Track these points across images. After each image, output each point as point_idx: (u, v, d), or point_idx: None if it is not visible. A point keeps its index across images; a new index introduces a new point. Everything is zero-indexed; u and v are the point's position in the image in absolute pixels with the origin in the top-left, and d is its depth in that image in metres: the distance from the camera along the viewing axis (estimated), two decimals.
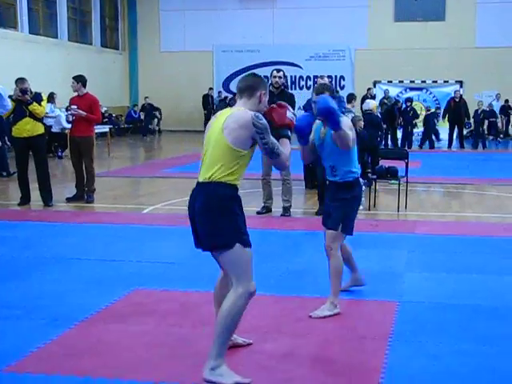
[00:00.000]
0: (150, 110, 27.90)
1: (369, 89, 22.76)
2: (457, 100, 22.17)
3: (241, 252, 4.11)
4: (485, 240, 8.23)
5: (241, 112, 4.15)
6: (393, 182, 11.60)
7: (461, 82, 26.58)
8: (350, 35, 26.80)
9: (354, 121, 13.12)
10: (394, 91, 25.25)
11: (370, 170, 12.29)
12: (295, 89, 26.48)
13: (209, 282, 6.34)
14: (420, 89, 26.77)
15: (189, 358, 4.53)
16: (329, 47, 27.49)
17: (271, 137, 4.14)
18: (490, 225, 9.36)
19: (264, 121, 4.12)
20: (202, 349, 4.68)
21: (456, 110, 21.96)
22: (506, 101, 25.47)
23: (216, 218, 4.06)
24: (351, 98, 14.46)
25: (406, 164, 10.91)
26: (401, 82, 26.89)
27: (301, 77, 27.67)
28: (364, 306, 5.76)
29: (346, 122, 5.36)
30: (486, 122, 23.35)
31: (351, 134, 5.34)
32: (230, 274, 4.17)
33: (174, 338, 4.94)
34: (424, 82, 26.86)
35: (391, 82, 26.74)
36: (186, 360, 4.51)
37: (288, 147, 4.31)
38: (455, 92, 22.93)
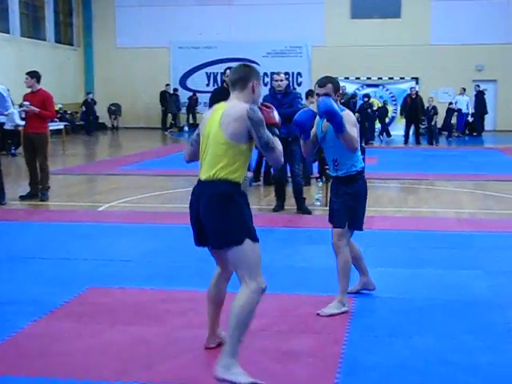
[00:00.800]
0: (92, 107, 27.17)
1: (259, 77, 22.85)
2: (413, 97, 22.39)
3: (251, 247, 4.05)
4: (440, 235, 8.30)
5: (235, 104, 4.11)
6: None
7: (416, 79, 26.86)
8: (307, 32, 26.88)
9: None
10: (351, 88, 25.39)
11: (327, 166, 12.30)
12: None
13: (165, 280, 6.34)
14: (376, 85, 26.98)
15: (144, 357, 4.48)
16: (286, 44, 27.55)
17: (266, 130, 4.09)
18: (445, 220, 9.44)
19: (259, 114, 4.07)
20: (158, 348, 4.66)
21: (412, 106, 22.18)
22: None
23: (224, 215, 4.02)
24: (309, 94, 14.47)
25: (363, 160, 10.92)
26: (357, 78, 27.06)
27: None
28: (320, 301, 5.74)
29: (348, 118, 5.23)
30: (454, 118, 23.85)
31: (355, 130, 5.23)
32: (241, 271, 4.07)
33: (129, 337, 4.87)
34: (380, 78, 27.08)
35: (348, 78, 26.89)
36: (142, 359, 4.46)
37: (279, 143, 4.22)
38: (411, 89, 23.15)
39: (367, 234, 8.32)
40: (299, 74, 27.69)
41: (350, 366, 4.35)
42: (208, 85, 28.20)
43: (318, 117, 5.39)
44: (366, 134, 21.80)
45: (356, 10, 27.31)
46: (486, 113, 25.46)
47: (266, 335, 4.92)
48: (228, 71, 9.90)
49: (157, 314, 5.38)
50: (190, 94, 28.19)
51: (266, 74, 26.53)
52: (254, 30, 27.00)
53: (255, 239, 4.10)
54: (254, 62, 27.06)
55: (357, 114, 21.01)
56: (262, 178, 12.59)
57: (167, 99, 27.77)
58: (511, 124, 24.91)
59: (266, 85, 25.72)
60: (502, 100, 26.85)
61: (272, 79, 9.91)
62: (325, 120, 5.30)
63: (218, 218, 4.03)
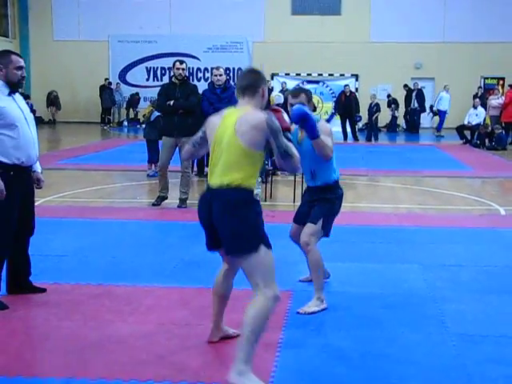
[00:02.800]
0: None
1: (266, 81, 22.91)
2: (347, 94, 22.67)
3: (265, 254, 4.03)
4: (378, 230, 8.39)
5: (252, 112, 4.05)
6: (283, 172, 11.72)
7: (356, 76, 27.12)
8: (248, 28, 26.89)
9: None
10: (291, 84, 25.48)
11: (266, 162, 12.34)
12: (193, 80, 26.29)
13: (101, 275, 6.25)
14: (317, 82, 27.14)
15: (78, 353, 4.42)
16: (226, 39, 27.51)
17: (284, 138, 4.04)
18: (383, 215, 9.55)
19: (277, 122, 4.01)
20: (92, 343, 4.59)
21: (346, 103, 22.46)
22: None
23: (241, 222, 3.98)
24: None
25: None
26: (298, 74, 27.19)
27: (198, 68, 27.57)
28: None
29: (324, 127, 5.25)
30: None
31: (330, 140, 5.23)
32: (256, 278, 4.02)
33: (64, 333, 4.80)
34: (321, 75, 27.25)
35: (288, 74, 27.00)
36: (75, 354, 4.40)
37: (295, 150, 4.17)
38: (345, 87, 23.37)
39: None
40: (240, 69, 27.67)
41: (287, 360, 4.36)
42: (148, 79, 27.96)
43: (292, 127, 5.34)
44: None
45: (296, 6, 27.42)
46: (425, 110, 25.85)
47: (204, 330, 4.89)
48: (177, 63, 9.80)
49: (92, 309, 5.31)
50: (131, 88, 27.88)
51: (206, 69, 26.49)
52: (195, 24, 26.86)
53: (269, 246, 4.08)
54: (194, 57, 27.04)
55: None
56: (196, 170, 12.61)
57: (109, 94, 27.44)
58: (448, 121, 25.29)
59: (206, 80, 25.66)
60: None
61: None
62: (300, 131, 5.34)
63: (236, 225, 3.98)
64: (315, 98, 24.73)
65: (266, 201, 10.48)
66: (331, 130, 5.44)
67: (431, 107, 25.20)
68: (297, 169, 4.29)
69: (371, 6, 27.08)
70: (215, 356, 4.44)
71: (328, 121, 26.44)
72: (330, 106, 26.14)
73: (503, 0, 26.49)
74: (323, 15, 27.27)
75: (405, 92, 25.81)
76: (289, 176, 11.95)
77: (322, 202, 5.52)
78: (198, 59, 27.40)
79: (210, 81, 11.45)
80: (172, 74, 10.01)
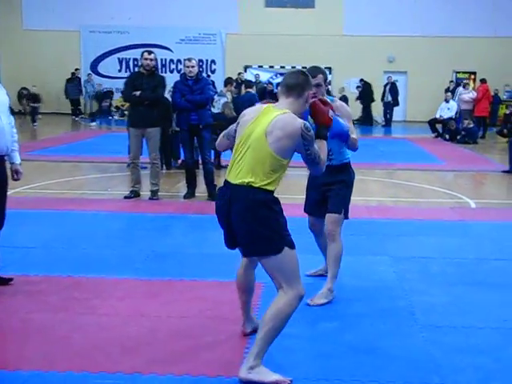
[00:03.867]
0: None
1: (239, 73, 22.85)
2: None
3: (289, 255, 3.94)
4: (349, 222, 8.33)
5: (288, 118, 3.88)
6: None
7: (329, 69, 27.13)
8: (221, 19, 26.77)
9: (224, 106, 13.14)
10: (264, 76, 25.48)
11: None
12: (165, 72, 26.15)
13: (70, 267, 6.21)
14: None
15: (46, 345, 4.39)
16: (199, 31, 27.37)
17: (315, 146, 3.95)
18: (354, 207, 9.50)
19: (312, 132, 3.90)
20: (61, 335, 4.56)
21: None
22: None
23: (262, 223, 3.86)
24: (228, 82, 14.42)
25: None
26: (271, 67, 27.17)
27: (171, 60, 27.41)
28: (228, 287, 5.70)
29: (346, 111, 5.28)
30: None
31: (351, 125, 5.24)
32: (279, 278, 3.96)
33: (32, 325, 4.76)
34: (294, 67, 27.21)
35: (262, 67, 26.97)
36: (44, 347, 4.37)
37: (325, 149, 4.11)
38: None
39: None
40: (213, 61, 27.60)
41: None
42: (120, 70, 27.71)
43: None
44: None
45: None
46: (398, 104, 25.94)
47: (173, 322, 4.88)
48: (146, 54, 9.72)
49: (62, 301, 5.26)
50: (103, 79, 27.62)
51: (179, 60, 26.32)
52: (168, 15, 26.68)
53: (293, 246, 3.98)
54: (167, 49, 26.87)
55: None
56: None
57: (76, 84, 27.13)
58: (420, 115, 25.41)
59: (179, 71, 25.52)
60: (411, 91, 27.42)
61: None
62: None
63: (257, 226, 3.86)
64: None
65: None
66: (350, 112, 5.43)
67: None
68: (321, 173, 4.17)
69: (344, 0, 27.10)
70: (184, 349, 4.41)
71: None
72: None
73: None
74: (297, 8, 27.24)
75: (360, 87, 25.70)
76: None
77: (339, 187, 5.45)
78: (170, 50, 27.22)
79: (182, 72, 11.38)
80: (140, 64, 9.93)
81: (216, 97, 13.69)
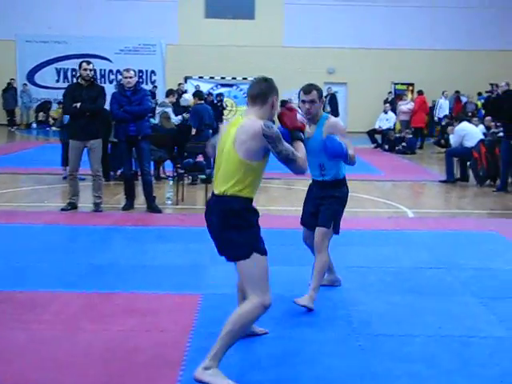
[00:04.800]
0: None
1: (180, 84, 22.79)
2: None
3: (258, 260, 4.06)
4: (289, 232, 8.42)
5: (250, 122, 4.01)
6: (201, 176, 11.69)
7: None
8: (161, 30, 26.67)
9: (161, 117, 13.09)
10: (205, 87, 25.45)
11: (179, 165, 12.27)
12: (105, 83, 25.87)
13: (2, 281, 6.08)
14: (230, 85, 27.20)
15: None
16: (139, 41, 27.21)
17: (284, 143, 4.01)
18: (294, 218, 9.55)
19: (274, 129, 3.97)
20: None
21: None
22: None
23: (233, 232, 4.02)
24: (170, 92, 14.37)
25: (214, 159, 11.03)
26: (212, 78, 27.17)
27: (110, 70, 27.17)
28: (167, 299, 5.70)
29: (339, 128, 5.41)
30: None
31: (348, 141, 5.30)
32: (247, 285, 4.09)
33: None
34: (234, 78, 27.32)
35: (202, 77, 26.95)
36: None
37: (303, 149, 4.19)
38: None
39: None
40: (153, 72, 27.46)
41: (194, 364, 4.30)
42: (58, 81, 27.33)
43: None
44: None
45: (210, 9, 27.40)
46: (338, 115, 26.20)
47: (110, 336, 4.81)
48: (84, 64, 9.59)
49: None
50: (40, 90, 27.18)
51: (118, 71, 26.10)
52: (107, 25, 26.45)
53: (263, 253, 4.10)
54: (106, 59, 26.63)
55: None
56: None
57: (12, 95, 26.66)
58: (360, 125, 25.73)
59: (118, 82, 25.29)
60: (351, 102, 27.76)
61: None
62: (309, 126, 5.25)
63: (228, 234, 4.04)
64: (229, 102, 24.78)
65: (177, 204, 10.41)
66: (345, 128, 5.52)
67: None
68: (302, 170, 4.21)
69: (284, 11, 27.30)
70: (121, 363, 4.35)
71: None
72: (243, 109, 26.11)
73: (412, 9, 27.12)
74: (237, 19, 27.33)
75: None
76: (200, 179, 11.91)
77: (330, 202, 5.52)
78: (109, 61, 26.99)
79: (119, 83, 11.29)
80: (78, 74, 9.80)
81: (158, 108, 13.62)
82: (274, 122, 4.15)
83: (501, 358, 4.55)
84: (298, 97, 5.54)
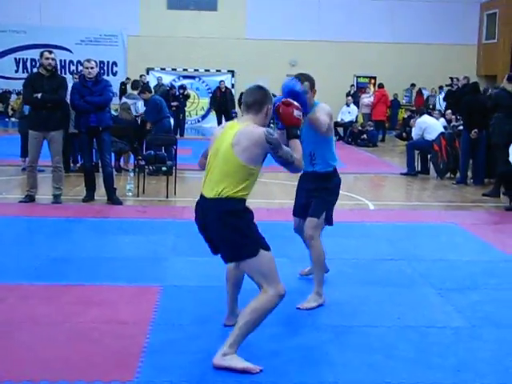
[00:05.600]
0: None
1: (141, 76, 22.62)
2: (222, 90, 22.83)
3: (265, 257, 4.11)
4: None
5: (251, 128, 4.08)
6: (163, 168, 11.63)
7: (232, 72, 27.24)
8: (123, 21, 26.39)
9: (122, 109, 13.00)
10: (167, 79, 25.29)
11: (140, 157, 12.21)
12: (65, 73, 25.46)
13: None
14: (193, 77, 27.07)
15: None
16: (100, 32, 26.90)
17: (283, 147, 4.09)
18: (255, 210, 9.56)
19: (275, 135, 4.09)
20: None
21: (222, 99, 22.70)
22: None
23: (235, 231, 4.08)
24: (137, 85, 14.24)
25: (175, 151, 11.09)
26: (174, 69, 27.01)
27: (71, 61, 26.82)
28: (127, 291, 5.67)
29: (323, 108, 5.31)
30: None
31: (327, 118, 5.22)
32: (258, 279, 4.15)
33: None
34: (197, 70, 27.19)
35: (164, 69, 26.78)
36: None
37: (299, 147, 4.24)
38: (220, 82, 23.47)
39: (178, 224, 8.38)
40: (114, 63, 27.18)
41: (154, 356, 4.31)
42: (17, 71, 26.91)
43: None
44: (182, 126, 21.85)
45: (172, 0, 27.21)
46: None
47: (69, 327, 4.77)
48: (46, 53, 9.45)
49: None
50: (0, 81, 26.77)
51: (79, 61, 25.79)
52: (68, 15, 26.06)
53: (267, 248, 4.15)
54: (66, 49, 26.29)
55: (176, 103, 20.93)
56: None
57: None
58: None
59: (78, 73, 24.95)
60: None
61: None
62: None
63: (230, 235, 4.09)
64: (191, 94, 24.65)
65: (138, 196, 10.35)
66: (330, 111, 5.40)
67: None
68: (298, 170, 4.35)
69: (246, 3, 27.22)
70: (80, 354, 4.31)
71: (204, 117, 26.59)
72: (205, 101, 26.15)
73: (373, 2, 27.27)
74: (199, 10, 27.17)
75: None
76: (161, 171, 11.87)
77: (321, 193, 5.48)
78: (70, 51, 26.65)
79: (80, 73, 11.17)
80: (39, 64, 9.67)
81: (129, 100, 13.47)
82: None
83: (458, 347, 4.61)
84: None
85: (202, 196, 4.20)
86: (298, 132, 4.28)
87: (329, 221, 5.63)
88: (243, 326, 4.08)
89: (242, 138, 4.05)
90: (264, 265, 4.12)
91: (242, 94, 14.03)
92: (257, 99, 4.21)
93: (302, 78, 5.43)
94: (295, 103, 4.33)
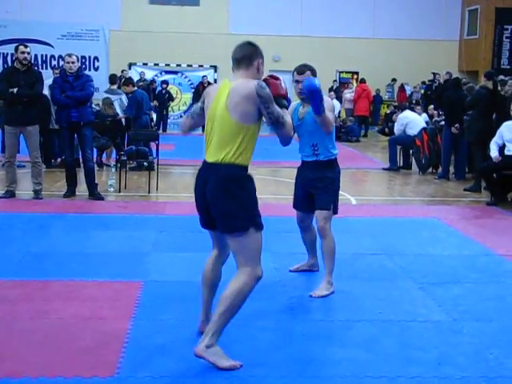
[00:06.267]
0: None
1: (123, 71, 22.52)
2: (205, 85, 22.72)
3: (254, 236, 4.03)
4: None
5: (243, 82, 3.98)
6: (144, 163, 11.62)
7: (215, 67, 27.18)
8: (104, 15, 26.24)
9: (103, 103, 12.91)
10: (149, 74, 25.22)
11: (122, 152, 12.15)
12: (46, 68, 25.35)
13: None
14: (175, 72, 26.99)
15: None
16: (82, 26, 26.72)
17: (275, 106, 3.99)
18: None
19: (267, 89, 3.96)
20: None
21: None
22: None
23: (231, 200, 3.95)
24: (114, 79, 14.14)
25: (157, 146, 11.06)
26: (156, 65, 26.92)
27: (52, 56, 26.65)
28: (107, 287, 5.63)
29: (327, 102, 5.31)
30: None
31: (332, 115, 5.29)
32: (239, 257, 4.05)
33: None
34: (179, 65, 27.12)
35: (146, 64, 26.68)
36: None
37: (289, 118, 4.16)
38: (203, 77, 23.41)
39: (160, 219, 8.36)
40: (96, 58, 27.03)
41: (134, 351, 4.28)
42: None
43: (292, 105, 5.43)
44: (165, 122, 21.81)
45: None
46: None
47: (49, 323, 4.74)
48: (22, 47, 9.37)
49: None
50: None
51: (61, 56, 25.62)
52: (49, 10, 25.88)
53: (259, 228, 4.07)
54: (48, 44, 26.11)
55: (155, 102, 20.88)
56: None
57: None
58: None
59: (59, 68, 24.76)
60: None
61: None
62: (301, 108, 5.48)
63: (226, 202, 3.96)
64: (173, 89, 24.61)
65: (120, 191, 10.31)
66: (334, 105, 5.48)
67: None
68: (289, 137, 4.24)
69: None
70: (60, 351, 4.28)
71: (187, 112, 26.44)
72: (188, 96, 26.06)
73: None
74: (182, 5, 27.09)
75: None
76: (144, 166, 11.83)
77: (326, 183, 5.50)
78: (51, 46, 26.48)
79: (61, 68, 11.10)
80: (14, 58, 9.58)
81: (113, 96, 13.36)
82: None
83: (439, 341, 4.62)
84: (292, 76, 5.57)
85: (204, 162, 4.09)
86: (286, 103, 4.24)
87: (335, 210, 5.65)
88: (225, 313, 3.98)
89: (234, 94, 3.95)
90: (250, 244, 4.03)
91: None
92: (246, 54, 4.12)
93: (304, 68, 5.53)
94: (280, 78, 4.30)
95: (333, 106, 5.56)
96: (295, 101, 5.60)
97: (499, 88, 11.41)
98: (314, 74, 5.49)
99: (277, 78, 4.26)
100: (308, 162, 5.66)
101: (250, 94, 3.93)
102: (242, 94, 3.94)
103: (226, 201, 3.97)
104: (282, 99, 4.21)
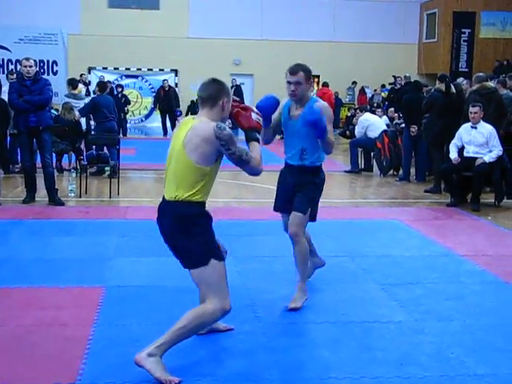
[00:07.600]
0: None
1: (82, 75, 22.33)
2: (166, 89, 22.71)
3: (216, 267, 4.01)
4: None
5: (202, 124, 3.92)
6: (105, 168, 11.53)
7: (176, 71, 27.11)
8: (62, 19, 25.96)
9: (63, 108, 12.79)
10: (109, 78, 25.02)
11: (82, 157, 12.06)
12: (3, 73, 24.98)
13: None
14: (136, 76, 26.85)
15: None
16: (40, 30, 26.39)
17: (237, 145, 3.93)
18: None
19: (227, 130, 3.90)
20: None
21: (166, 98, 22.51)
22: None
23: (187, 239, 3.96)
24: (74, 83, 14.00)
25: (118, 150, 10.98)
26: (116, 68, 26.75)
27: (9, 60, 26.30)
28: (68, 293, 5.56)
29: (328, 112, 5.22)
30: None
31: (330, 128, 5.13)
32: (206, 290, 4.03)
33: None
34: (140, 69, 26.98)
35: (106, 68, 26.50)
36: None
37: (258, 150, 4.10)
38: (164, 81, 23.33)
39: (122, 224, 8.29)
40: (55, 62, 26.72)
41: (96, 358, 4.24)
42: None
43: (283, 102, 5.30)
44: (124, 126, 21.63)
45: None
46: None
47: (9, 331, 4.67)
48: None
49: None
50: None
51: (18, 60, 25.28)
52: (6, 13, 25.50)
53: (221, 258, 4.06)
54: (5, 48, 25.76)
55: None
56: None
57: None
58: None
59: (15, 73, 24.43)
60: (258, 94, 27.81)
61: (21, 65, 9.36)
62: (294, 108, 5.26)
63: (182, 241, 3.99)
64: (134, 93, 24.48)
65: (80, 197, 10.20)
66: (331, 115, 5.36)
67: None
68: (257, 171, 4.12)
69: (189, 2, 27.13)
70: (20, 357, 4.22)
71: (147, 116, 26.38)
72: (149, 101, 25.92)
73: (316, 1, 27.45)
74: (141, 9, 26.96)
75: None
76: (105, 171, 11.73)
77: (308, 188, 5.31)
78: (8, 50, 26.13)
79: (18, 72, 10.98)
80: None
81: (74, 101, 13.20)
82: (225, 121, 4.13)
83: (401, 341, 4.66)
84: (285, 76, 5.38)
85: (163, 198, 4.08)
86: (258, 136, 4.19)
87: (313, 217, 5.49)
88: (177, 332, 3.92)
89: (193, 135, 3.89)
90: (213, 276, 4.00)
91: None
92: (211, 94, 4.04)
93: (298, 67, 5.32)
94: (253, 108, 4.28)
95: (332, 116, 5.39)
96: (285, 97, 5.45)
97: (453, 90, 11.50)
98: (307, 74, 5.31)
99: (247, 109, 4.22)
100: (293, 165, 5.42)
101: (209, 136, 3.87)
102: (201, 135, 3.88)
103: (182, 239, 3.99)
104: (253, 132, 4.17)
